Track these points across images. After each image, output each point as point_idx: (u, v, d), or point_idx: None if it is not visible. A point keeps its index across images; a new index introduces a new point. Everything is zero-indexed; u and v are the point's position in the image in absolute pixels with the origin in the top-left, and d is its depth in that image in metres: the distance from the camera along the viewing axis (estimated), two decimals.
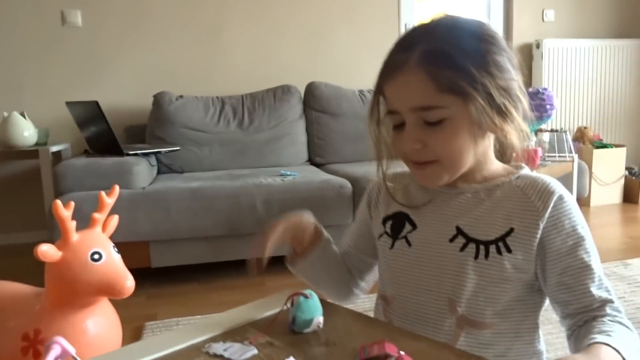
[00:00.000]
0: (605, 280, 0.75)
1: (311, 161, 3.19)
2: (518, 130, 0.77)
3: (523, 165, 0.83)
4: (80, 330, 1.28)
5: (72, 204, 1.25)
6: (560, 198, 0.76)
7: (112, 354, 0.66)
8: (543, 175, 0.81)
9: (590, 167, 3.61)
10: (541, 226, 0.75)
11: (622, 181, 3.85)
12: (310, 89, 3.21)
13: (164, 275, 2.44)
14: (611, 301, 0.73)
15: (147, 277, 2.36)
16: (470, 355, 0.65)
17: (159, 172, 2.82)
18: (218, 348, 0.66)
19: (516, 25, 4.00)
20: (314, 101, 3.18)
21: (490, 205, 0.78)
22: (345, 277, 0.96)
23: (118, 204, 2.11)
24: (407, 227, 0.84)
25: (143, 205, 2.25)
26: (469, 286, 0.76)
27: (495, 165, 0.82)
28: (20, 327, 1.28)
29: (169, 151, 2.81)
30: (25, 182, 3.17)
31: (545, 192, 0.77)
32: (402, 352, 0.62)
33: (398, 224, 0.85)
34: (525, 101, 0.77)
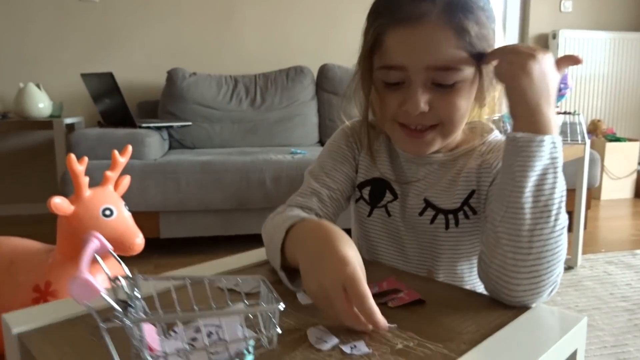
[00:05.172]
0: None
1: (322, 142, 3.20)
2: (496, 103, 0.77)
3: (493, 128, 0.81)
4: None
5: (86, 159, 1.27)
6: None
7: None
8: None
9: (602, 161, 3.58)
10: (493, 172, 0.72)
11: (634, 176, 3.82)
12: (323, 70, 3.21)
13: (172, 247, 2.47)
14: None
15: (156, 248, 2.39)
16: (474, 293, 0.66)
17: (170, 147, 2.84)
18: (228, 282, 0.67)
19: (533, 14, 3.96)
20: (327, 83, 3.18)
21: (454, 174, 0.76)
22: None
23: (129, 173, 2.14)
24: (388, 195, 0.80)
25: (154, 176, 2.28)
26: (444, 257, 0.77)
27: (463, 131, 0.78)
28: (32, 279, 1.30)
29: (181, 126, 2.83)
30: (38, 154, 3.21)
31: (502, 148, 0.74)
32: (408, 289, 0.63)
33: (378, 191, 0.81)
34: None
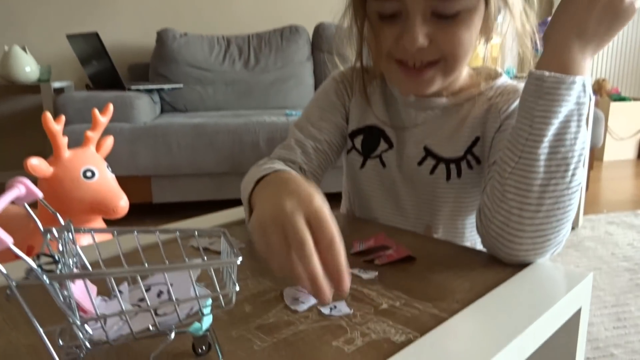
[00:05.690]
0: None
1: None
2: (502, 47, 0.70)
3: (501, 72, 0.72)
4: None
5: (63, 117, 1.20)
6: None
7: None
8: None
9: (606, 121, 3.49)
10: (501, 117, 0.66)
11: (639, 136, 3.74)
12: (319, 29, 3.10)
13: (165, 212, 2.43)
14: None
15: (148, 213, 2.35)
16: (470, 249, 0.61)
17: (162, 111, 2.77)
18: (201, 242, 0.62)
19: None
20: (323, 42, 3.07)
21: (458, 120, 0.69)
22: None
23: (119, 137, 2.07)
24: (383, 144, 0.73)
25: (144, 140, 2.21)
26: (444, 211, 0.71)
27: (468, 74, 0.72)
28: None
29: (172, 89, 2.75)
30: (26, 120, 3.13)
31: (513, 92, 0.68)
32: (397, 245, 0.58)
33: (371, 140, 0.74)
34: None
